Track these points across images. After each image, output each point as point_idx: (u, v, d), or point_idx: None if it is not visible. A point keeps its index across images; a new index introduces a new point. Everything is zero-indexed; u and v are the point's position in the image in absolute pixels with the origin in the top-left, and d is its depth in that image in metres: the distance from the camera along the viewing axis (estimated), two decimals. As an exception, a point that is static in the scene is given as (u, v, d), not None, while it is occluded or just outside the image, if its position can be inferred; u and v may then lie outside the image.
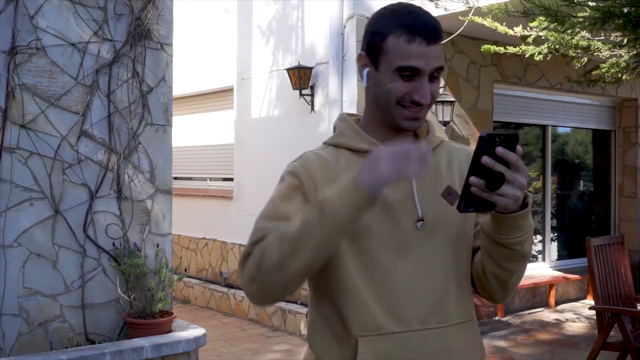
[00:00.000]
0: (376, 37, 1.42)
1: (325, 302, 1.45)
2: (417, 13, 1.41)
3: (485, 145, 1.22)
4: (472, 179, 1.24)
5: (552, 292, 7.40)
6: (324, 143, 1.53)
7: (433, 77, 1.41)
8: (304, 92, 6.21)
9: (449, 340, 1.42)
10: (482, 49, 5.01)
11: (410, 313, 1.39)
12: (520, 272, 1.43)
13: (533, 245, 7.89)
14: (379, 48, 1.41)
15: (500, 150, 1.22)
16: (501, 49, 4.89)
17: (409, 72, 1.38)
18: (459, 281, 1.46)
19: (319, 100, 6.22)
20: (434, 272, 1.42)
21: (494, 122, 7.03)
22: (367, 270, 1.39)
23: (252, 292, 1.35)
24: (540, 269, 7.75)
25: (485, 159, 1.22)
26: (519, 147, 1.24)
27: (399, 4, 1.45)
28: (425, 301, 1.40)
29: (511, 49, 4.84)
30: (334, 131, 1.54)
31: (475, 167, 1.24)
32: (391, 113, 1.42)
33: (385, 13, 1.43)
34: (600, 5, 3.98)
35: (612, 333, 4.35)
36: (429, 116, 1.46)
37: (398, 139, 1.46)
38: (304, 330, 5.85)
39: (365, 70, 1.45)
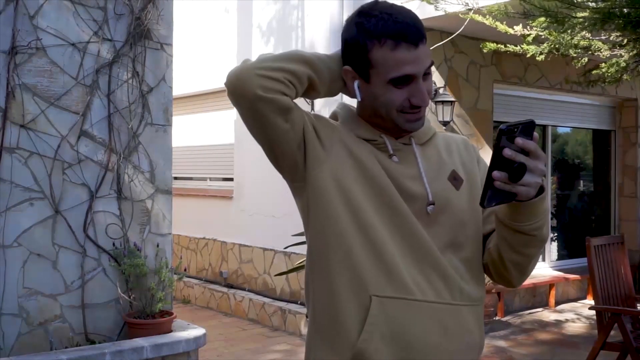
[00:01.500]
0: (358, 50, 1.37)
1: (331, 270, 1.40)
2: (396, 15, 1.35)
3: (505, 137, 1.22)
4: (495, 173, 1.23)
5: (552, 292, 7.40)
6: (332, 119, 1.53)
7: (425, 75, 1.39)
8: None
9: (460, 318, 1.41)
10: (481, 46, 5.00)
11: (425, 286, 1.37)
12: (537, 256, 1.42)
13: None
14: (365, 62, 1.37)
15: (519, 140, 1.22)
16: (501, 47, 4.89)
17: (403, 79, 1.35)
18: (468, 263, 1.45)
19: (319, 100, 6.21)
20: (445, 254, 1.41)
21: (494, 122, 7.03)
22: (377, 255, 1.37)
23: (233, 72, 1.35)
24: (540, 269, 7.75)
25: (507, 152, 1.22)
26: (535, 134, 1.24)
27: (373, 5, 1.38)
28: (434, 282, 1.39)
29: (512, 47, 4.84)
30: (335, 118, 1.52)
31: (496, 160, 1.24)
32: (394, 120, 1.41)
33: (361, 21, 1.37)
34: (600, 5, 3.98)
35: (612, 333, 4.36)
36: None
37: (397, 131, 1.46)
38: (304, 330, 5.85)
39: (356, 83, 1.41)
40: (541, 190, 1.28)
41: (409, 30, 1.33)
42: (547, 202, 1.36)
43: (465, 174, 1.49)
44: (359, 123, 1.47)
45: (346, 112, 1.50)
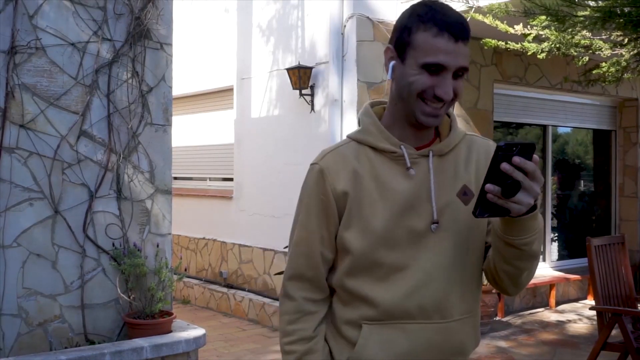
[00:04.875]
0: (405, 30, 1.44)
1: (335, 295, 1.57)
2: (448, 10, 1.44)
3: (502, 154, 1.25)
4: (488, 186, 1.26)
5: (553, 292, 7.39)
6: (348, 137, 1.57)
7: (457, 75, 1.44)
8: (304, 92, 6.20)
9: (450, 335, 1.49)
10: (482, 41, 4.99)
11: (414, 309, 1.46)
12: (531, 269, 1.46)
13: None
14: (407, 42, 1.43)
15: (517, 159, 1.24)
16: (502, 44, 4.88)
17: (435, 67, 1.40)
18: (465, 280, 1.51)
19: (319, 100, 6.21)
20: (442, 271, 1.47)
21: (494, 122, 7.02)
22: (374, 268, 1.47)
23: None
24: (541, 269, 7.74)
25: (505, 166, 1.24)
26: (535, 156, 1.26)
27: (431, 1, 1.47)
28: (432, 299, 1.46)
29: (512, 45, 4.83)
30: (359, 124, 1.57)
31: (492, 174, 1.26)
32: (411, 106, 1.44)
33: (417, 8, 1.45)
34: (601, 4, 3.97)
35: (612, 333, 4.35)
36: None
37: (419, 137, 1.51)
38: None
39: (392, 63, 1.48)
40: (533, 208, 1.31)
41: (455, 25, 1.41)
42: (540, 221, 1.38)
43: (477, 189, 1.51)
44: (379, 132, 1.51)
45: (369, 120, 1.55)
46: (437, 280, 1.46)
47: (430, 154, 1.49)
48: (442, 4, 1.45)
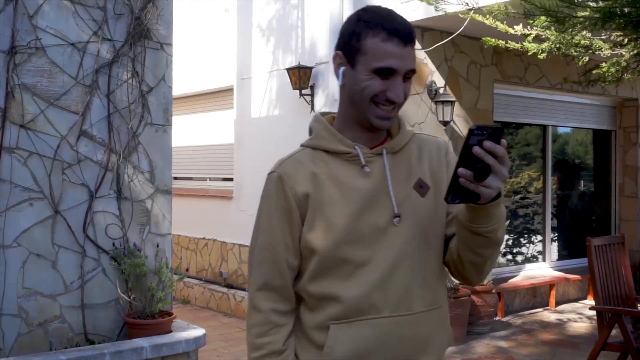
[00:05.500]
0: (353, 36, 1.47)
1: (298, 296, 1.56)
2: (394, 15, 1.48)
3: (475, 137, 1.27)
4: (461, 170, 1.29)
5: (553, 293, 7.39)
6: (302, 145, 1.60)
7: (406, 78, 1.48)
8: (304, 92, 6.20)
9: (417, 327, 1.51)
10: (482, 40, 4.98)
11: (381, 302, 1.48)
12: (493, 257, 1.51)
13: (533, 246, 7.86)
14: (356, 47, 1.47)
15: (488, 143, 1.27)
16: (502, 43, 4.88)
17: (386, 71, 1.44)
18: (428, 270, 1.54)
19: (319, 100, 6.21)
20: (405, 262, 1.50)
21: (494, 122, 7.02)
22: (340, 265, 1.49)
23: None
24: (541, 269, 7.75)
25: (477, 150, 1.27)
26: (503, 140, 1.29)
27: (376, 7, 1.52)
28: (395, 290, 1.49)
29: (513, 45, 4.83)
30: (310, 132, 1.61)
31: (464, 158, 1.28)
32: (365, 111, 1.48)
33: (363, 15, 1.49)
34: (601, 5, 3.97)
35: (612, 333, 4.35)
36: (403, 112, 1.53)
37: (372, 138, 1.55)
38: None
39: (342, 69, 1.51)
40: (498, 195, 1.35)
41: (402, 29, 1.45)
42: (503, 208, 1.43)
43: (433, 181, 1.57)
44: (332, 136, 1.54)
45: (320, 126, 1.58)
46: (400, 271, 1.49)
47: (384, 151, 1.53)
48: (387, 9, 1.49)
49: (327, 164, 1.52)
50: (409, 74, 1.47)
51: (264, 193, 1.57)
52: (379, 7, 1.50)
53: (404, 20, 1.48)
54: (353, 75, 1.48)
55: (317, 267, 1.49)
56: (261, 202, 1.57)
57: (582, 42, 4.52)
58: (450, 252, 1.55)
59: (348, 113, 1.54)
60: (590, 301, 7.39)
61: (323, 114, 1.64)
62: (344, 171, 1.51)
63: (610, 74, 5.10)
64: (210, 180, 8.17)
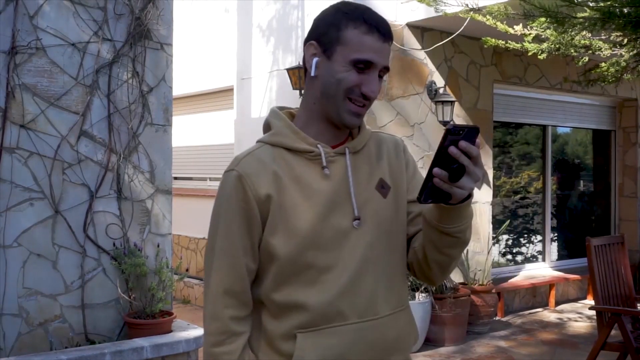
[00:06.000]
0: (332, 27, 1.44)
1: (260, 303, 1.49)
2: (372, 10, 1.46)
3: (451, 137, 1.26)
4: (436, 170, 1.28)
5: (552, 292, 7.40)
6: (260, 141, 1.55)
7: (379, 76, 1.45)
8: (304, 92, 6.20)
9: (384, 330, 1.48)
10: (482, 40, 4.99)
11: (348, 308, 1.44)
12: (459, 257, 1.49)
13: (533, 246, 7.86)
14: (334, 37, 1.43)
15: (463, 144, 1.26)
16: (502, 43, 4.88)
17: (363, 64, 1.41)
18: (392, 272, 1.51)
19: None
20: (369, 266, 1.46)
21: (494, 122, 7.03)
22: (304, 271, 1.43)
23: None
24: (540, 269, 7.75)
25: (453, 150, 1.26)
26: (478, 140, 1.28)
27: (354, 2, 1.49)
28: (362, 296, 1.45)
29: (513, 44, 4.84)
30: (268, 128, 1.57)
31: (439, 158, 1.28)
32: (337, 105, 1.45)
33: (342, 7, 1.46)
34: (600, 5, 3.97)
35: (612, 333, 4.35)
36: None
37: (335, 136, 1.51)
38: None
39: (315, 60, 1.47)
40: (469, 195, 1.34)
41: (382, 25, 1.44)
42: (471, 208, 1.41)
43: (392, 181, 1.54)
44: (294, 133, 1.49)
45: (281, 122, 1.53)
46: (365, 276, 1.45)
47: (347, 151, 1.49)
48: (364, 5, 1.48)
49: (288, 163, 1.46)
50: (383, 71, 1.45)
51: (220, 192, 1.49)
52: (357, 3, 1.48)
53: (383, 17, 1.47)
54: (328, 67, 1.44)
55: (280, 273, 1.43)
56: (218, 202, 1.50)
57: (582, 42, 4.52)
58: (415, 251, 1.52)
59: (315, 107, 1.50)
60: (589, 301, 7.39)
61: (280, 108, 1.60)
62: (305, 171, 1.46)
63: (609, 74, 5.10)
64: (210, 180, 8.17)
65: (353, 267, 1.44)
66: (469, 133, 1.27)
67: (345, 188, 1.47)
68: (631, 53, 4.78)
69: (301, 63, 6.40)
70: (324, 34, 1.45)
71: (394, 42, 6.14)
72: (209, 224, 1.52)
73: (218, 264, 1.47)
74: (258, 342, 1.49)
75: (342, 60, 1.42)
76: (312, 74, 1.48)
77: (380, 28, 1.42)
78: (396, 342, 1.50)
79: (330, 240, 1.44)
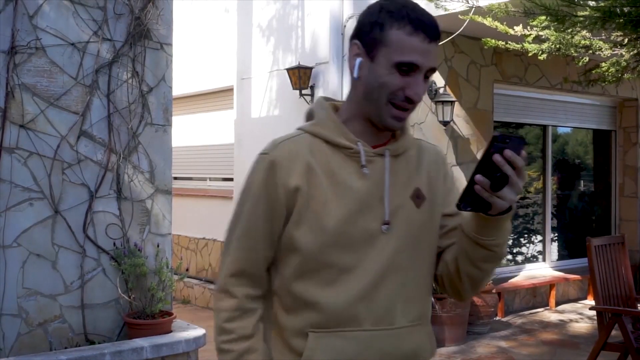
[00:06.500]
0: (376, 27, 1.38)
1: (275, 295, 1.48)
2: (421, 9, 1.40)
3: (497, 145, 1.23)
4: (478, 177, 1.25)
5: (553, 293, 7.39)
6: (300, 129, 1.50)
7: (425, 77, 1.40)
8: (304, 92, 6.20)
9: (399, 342, 1.43)
10: (482, 41, 4.98)
11: (364, 313, 1.40)
12: (492, 273, 1.47)
13: (533, 246, 7.86)
14: (378, 39, 1.37)
15: (509, 152, 1.23)
16: (502, 43, 4.88)
17: (407, 67, 1.36)
18: (415, 284, 1.46)
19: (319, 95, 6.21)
20: (392, 274, 1.42)
21: (494, 122, 7.02)
22: (324, 269, 1.40)
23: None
24: (541, 269, 7.75)
25: (497, 158, 1.23)
26: (523, 152, 1.25)
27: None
28: (379, 303, 1.41)
29: (513, 45, 4.83)
30: (311, 117, 1.52)
31: (483, 165, 1.25)
32: (379, 108, 1.40)
33: (387, 5, 1.39)
34: (601, 4, 3.97)
35: (612, 333, 4.35)
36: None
37: (376, 136, 1.46)
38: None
39: (358, 60, 1.41)
40: (510, 208, 1.31)
41: (429, 25, 1.37)
42: (510, 223, 1.37)
43: (429, 192, 1.50)
44: (336, 126, 1.45)
45: (324, 113, 1.49)
46: (386, 283, 1.41)
47: (387, 154, 1.45)
48: (412, 2, 1.41)
49: (324, 156, 1.42)
50: (429, 72, 1.39)
51: (251, 174, 1.46)
52: (405, 0, 1.41)
53: (431, 15, 1.40)
54: (371, 69, 1.39)
55: (300, 267, 1.41)
56: (247, 183, 1.47)
57: (582, 42, 4.52)
58: (446, 263, 1.48)
59: (358, 108, 1.45)
60: (590, 301, 7.38)
61: (326, 99, 1.54)
62: (341, 167, 1.42)
63: (610, 74, 5.10)
64: (210, 180, 8.17)
65: (375, 271, 1.40)
66: (515, 143, 1.24)
67: (380, 190, 1.43)
68: (631, 53, 4.77)
69: (301, 63, 6.43)
70: (368, 34, 1.39)
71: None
72: (236, 203, 1.49)
73: (237, 244, 1.46)
74: (269, 333, 1.48)
75: (386, 63, 1.36)
76: (355, 75, 1.43)
77: (426, 28, 1.35)
78: (412, 355, 1.46)
79: (356, 241, 1.40)
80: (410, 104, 1.39)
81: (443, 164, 1.57)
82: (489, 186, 1.25)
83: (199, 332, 4.26)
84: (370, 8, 1.42)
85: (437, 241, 1.50)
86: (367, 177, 1.42)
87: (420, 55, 1.35)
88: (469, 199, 1.28)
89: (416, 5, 1.40)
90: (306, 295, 1.41)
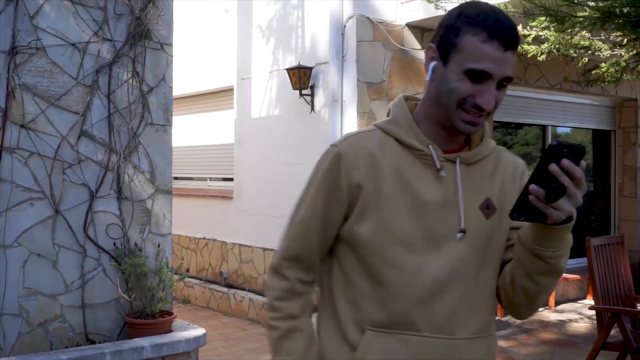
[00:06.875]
0: (451, 31, 1.36)
1: (339, 292, 1.47)
2: (499, 14, 1.36)
3: (554, 154, 1.18)
4: (532, 187, 1.20)
5: (552, 292, 7.39)
6: (375, 125, 1.49)
7: (501, 85, 1.37)
8: (304, 92, 6.20)
9: (457, 354, 1.40)
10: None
11: (423, 321, 1.38)
12: (550, 289, 1.40)
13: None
14: (452, 43, 1.35)
15: (566, 162, 1.18)
16: None
17: (478, 74, 1.33)
18: (480, 296, 1.43)
19: (319, 100, 6.22)
20: (455, 282, 1.39)
21: (494, 122, 7.03)
22: (386, 267, 1.39)
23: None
24: (540, 269, 7.74)
25: (554, 168, 1.18)
26: (582, 162, 1.19)
27: (482, 3, 1.39)
28: (440, 310, 1.38)
29: (512, 45, 4.84)
30: (388, 114, 1.50)
31: (538, 175, 1.20)
32: (449, 113, 1.37)
33: (466, 10, 1.37)
34: (600, 5, 3.98)
35: (612, 333, 4.36)
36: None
37: (448, 141, 1.44)
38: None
39: (432, 64, 1.40)
40: (569, 219, 1.25)
41: (506, 32, 1.33)
42: (571, 235, 1.31)
43: (500, 203, 1.45)
44: (409, 126, 1.44)
45: (400, 111, 1.47)
46: (449, 291, 1.38)
47: (458, 161, 1.41)
48: (493, 6, 1.37)
49: (395, 155, 1.41)
50: (505, 81, 1.35)
51: (319, 164, 1.46)
52: (485, 4, 1.37)
53: (510, 22, 1.35)
54: (443, 73, 1.36)
55: (362, 264, 1.41)
56: (314, 173, 1.47)
57: (582, 42, 4.53)
58: (503, 275, 1.44)
59: (431, 110, 1.42)
60: (589, 301, 7.39)
61: (407, 97, 1.52)
62: (410, 168, 1.40)
63: (609, 74, 5.11)
64: (210, 180, 8.17)
65: (439, 279, 1.37)
66: (574, 152, 1.17)
67: (453, 196, 1.40)
68: (631, 53, 4.78)
69: (301, 63, 6.44)
70: (443, 38, 1.37)
71: (393, 41, 6.15)
72: (301, 192, 1.51)
73: (294, 231, 1.49)
74: (324, 324, 1.49)
75: (457, 69, 1.34)
76: (428, 78, 1.41)
77: (502, 36, 1.31)
78: None
79: (420, 245, 1.38)
80: (480, 111, 1.36)
81: (521, 176, 1.51)
82: (543, 196, 1.20)
83: (199, 331, 4.27)
84: (450, 12, 1.41)
85: (502, 253, 1.46)
86: (439, 182, 1.40)
87: (492, 63, 1.32)
88: (523, 209, 1.22)
89: (496, 10, 1.36)
90: (368, 291, 1.40)
